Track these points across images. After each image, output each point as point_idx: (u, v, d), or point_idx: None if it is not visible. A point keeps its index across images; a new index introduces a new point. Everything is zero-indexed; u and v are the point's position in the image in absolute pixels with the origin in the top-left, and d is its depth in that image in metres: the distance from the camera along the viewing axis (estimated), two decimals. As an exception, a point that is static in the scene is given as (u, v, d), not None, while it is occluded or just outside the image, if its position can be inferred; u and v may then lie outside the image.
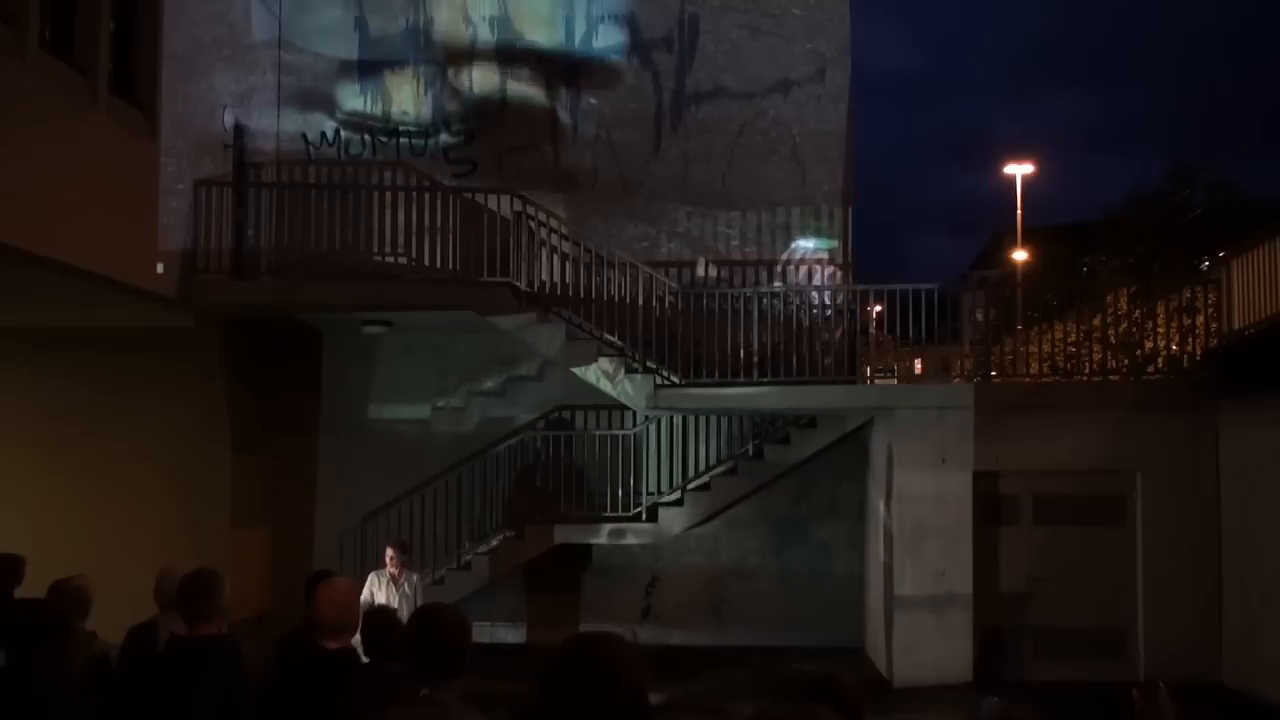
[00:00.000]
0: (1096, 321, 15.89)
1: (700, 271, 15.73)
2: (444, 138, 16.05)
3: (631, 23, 16.19)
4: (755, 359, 14.11)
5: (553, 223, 14.92)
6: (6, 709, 4.64)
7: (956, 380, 16.96)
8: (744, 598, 15.42)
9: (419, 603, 9.99)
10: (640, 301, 14.38)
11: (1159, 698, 4.15)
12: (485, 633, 14.18)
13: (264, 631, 5.47)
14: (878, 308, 17.11)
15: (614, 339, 14.21)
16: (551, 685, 2.76)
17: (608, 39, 16.19)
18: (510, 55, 16.18)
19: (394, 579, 10.64)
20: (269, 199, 14.62)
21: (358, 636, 5.06)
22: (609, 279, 14.62)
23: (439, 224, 14.18)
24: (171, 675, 4.93)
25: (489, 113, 16.12)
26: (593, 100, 16.14)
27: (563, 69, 16.16)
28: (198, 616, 4.97)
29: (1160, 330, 16.64)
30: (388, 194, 14.62)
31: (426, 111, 16.09)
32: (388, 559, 10.86)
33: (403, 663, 3.81)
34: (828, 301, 15.36)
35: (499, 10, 16.19)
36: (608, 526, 14.60)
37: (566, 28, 16.20)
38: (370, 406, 15.65)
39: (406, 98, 16.11)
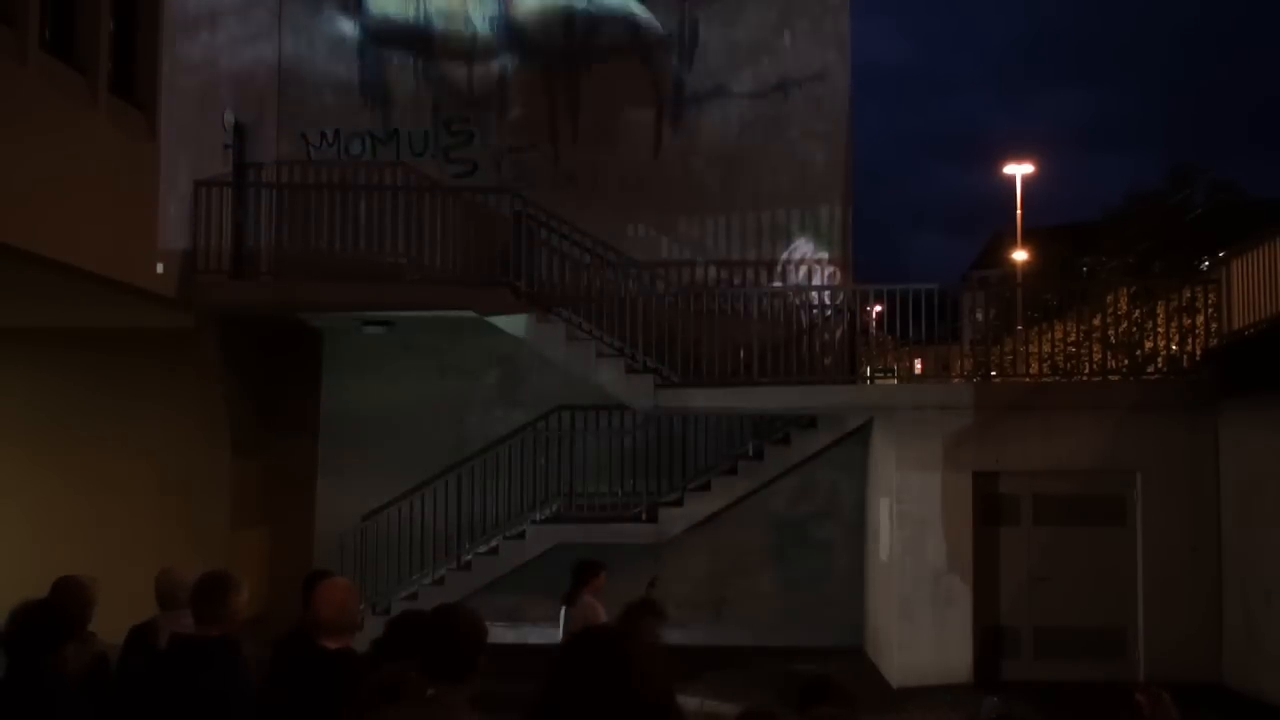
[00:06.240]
0: (1096, 321, 15.89)
1: (700, 272, 15.72)
2: (444, 138, 16.05)
3: (631, 23, 16.19)
4: (755, 359, 14.11)
5: (553, 223, 14.92)
6: (16, 708, 4.64)
7: (956, 380, 16.96)
8: (744, 598, 15.41)
9: None
10: (640, 302, 14.38)
11: (1163, 701, 4.15)
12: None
13: (264, 631, 5.46)
14: (878, 308, 17.13)
15: (614, 339, 14.21)
16: (557, 684, 2.68)
17: (608, 39, 16.20)
18: (511, 54, 16.18)
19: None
20: (269, 199, 14.63)
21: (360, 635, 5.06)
22: (609, 279, 14.63)
23: (439, 224, 14.18)
24: (171, 675, 4.93)
25: (489, 113, 16.13)
26: (593, 100, 16.14)
27: (563, 69, 16.16)
28: (205, 618, 4.99)
29: (1160, 330, 16.64)
30: (388, 194, 14.62)
31: (426, 110, 16.10)
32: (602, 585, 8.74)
33: (416, 661, 3.81)
34: (828, 301, 15.37)
35: (500, 9, 16.20)
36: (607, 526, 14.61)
37: (567, 28, 16.21)
38: (370, 406, 15.64)
39: (406, 97, 16.12)
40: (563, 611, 8.75)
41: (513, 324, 14.19)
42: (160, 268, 12.57)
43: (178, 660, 4.97)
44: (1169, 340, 16.15)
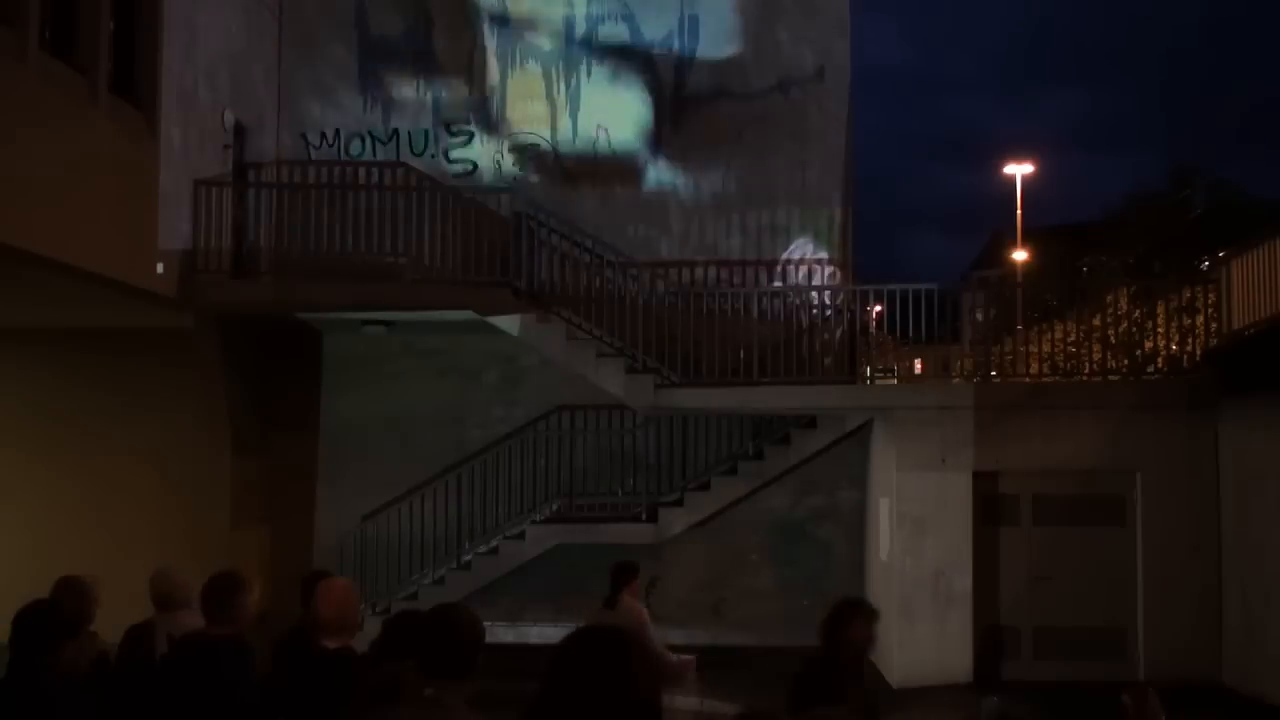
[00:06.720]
0: (1096, 321, 15.90)
1: (700, 272, 15.71)
2: (444, 138, 16.05)
3: (631, 23, 16.18)
4: (755, 359, 14.11)
5: (553, 223, 14.92)
6: (14, 710, 4.63)
7: (956, 380, 16.96)
8: (744, 598, 15.41)
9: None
10: (640, 301, 14.38)
11: (1150, 701, 4.15)
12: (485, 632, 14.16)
13: (264, 631, 5.46)
14: (878, 308, 17.13)
15: (614, 339, 14.21)
16: (557, 681, 2.65)
17: (608, 39, 16.19)
18: (510, 55, 16.18)
19: None
20: (269, 199, 14.62)
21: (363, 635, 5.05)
22: (609, 279, 14.63)
23: (439, 224, 14.18)
24: (179, 674, 4.95)
25: (489, 113, 16.13)
26: (593, 100, 16.14)
27: (563, 68, 16.16)
28: (216, 617, 5.02)
29: (1160, 330, 16.65)
30: (388, 194, 14.61)
31: (426, 110, 16.10)
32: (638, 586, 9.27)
33: (415, 660, 3.81)
34: (827, 301, 15.37)
35: (500, 9, 16.19)
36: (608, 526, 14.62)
37: (567, 28, 16.20)
38: (370, 406, 15.63)
39: (406, 96, 16.12)
40: (598, 614, 8.73)
41: (512, 324, 14.18)
42: (160, 268, 12.56)
43: (188, 659, 4.98)
44: (1169, 340, 16.16)
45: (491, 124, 16.12)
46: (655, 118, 16.16)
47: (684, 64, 16.19)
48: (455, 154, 16.03)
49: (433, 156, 15.93)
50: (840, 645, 5.52)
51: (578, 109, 16.14)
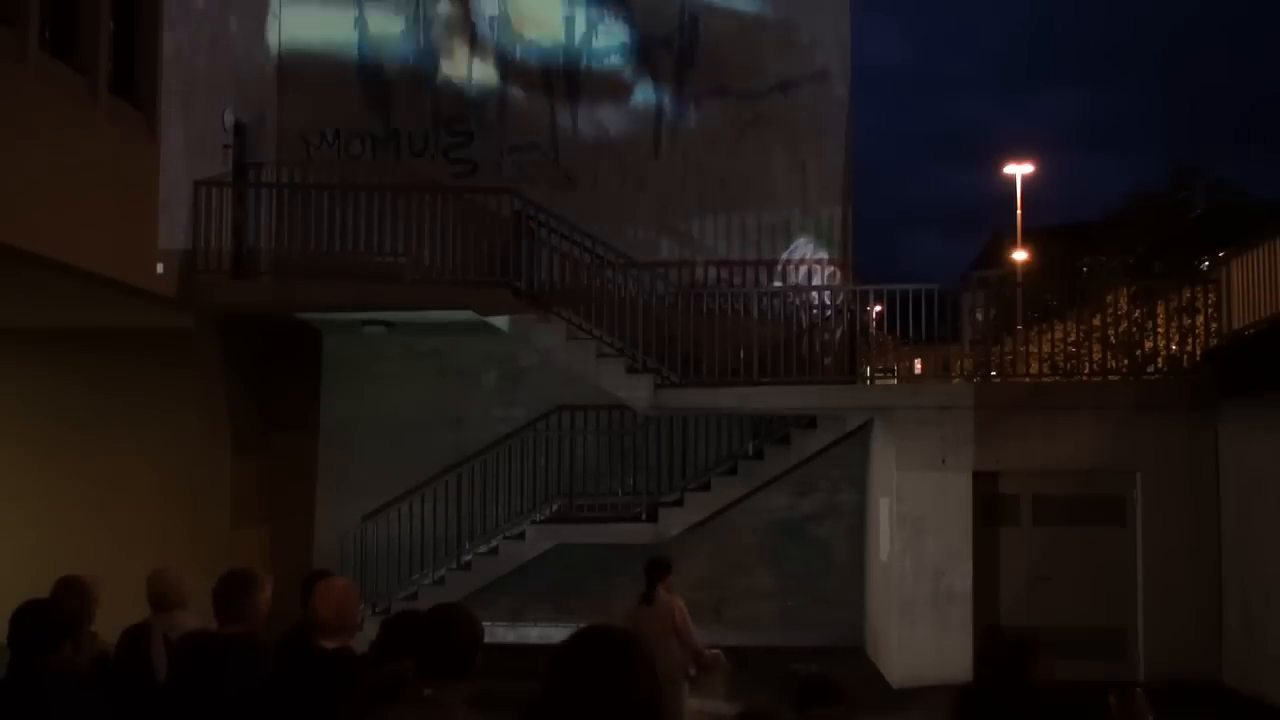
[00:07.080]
0: (1096, 321, 15.90)
1: (700, 272, 15.71)
2: (444, 137, 16.04)
3: (631, 22, 16.19)
4: (755, 359, 14.11)
5: (553, 223, 14.92)
6: (13, 710, 4.63)
7: (956, 380, 16.97)
8: (744, 598, 15.41)
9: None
10: (640, 302, 14.37)
11: (1136, 701, 4.14)
12: (484, 632, 14.16)
13: (264, 631, 5.47)
14: (878, 308, 17.14)
15: (614, 339, 14.21)
16: (559, 681, 2.64)
17: (608, 39, 16.19)
18: (510, 55, 16.18)
19: None
20: (269, 199, 14.62)
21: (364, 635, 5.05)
22: (609, 279, 14.63)
23: (439, 224, 14.17)
24: (188, 672, 4.94)
25: (489, 113, 16.12)
26: (593, 100, 16.14)
27: (563, 69, 16.16)
28: (228, 615, 5.02)
29: (1160, 330, 16.65)
30: (388, 194, 14.60)
31: (426, 110, 16.10)
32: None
33: (413, 660, 3.81)
34: (827, 301, 15.38)
35: (499, 10, 16.19)
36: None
37: (567, 27, 16.20)
38: (370, 406, 15.63)
39: (406, 97, 16.11)
40: (636, 611, 8.85)
41: (512, 324, 14.18)
42: (160, 268, 12.56)
43: (197, 658, 4.98)
44: (1169, 340, 16.16)
45: (491, 123, 16.10)
46: (655, 117, 16.16)
47: (684, 63, 16.18)
48: (455, 154, 16.02)
49: (433, 157, 15.92)
50: (1022, 684, 5.33)
51: (578, 108, 16.13)
